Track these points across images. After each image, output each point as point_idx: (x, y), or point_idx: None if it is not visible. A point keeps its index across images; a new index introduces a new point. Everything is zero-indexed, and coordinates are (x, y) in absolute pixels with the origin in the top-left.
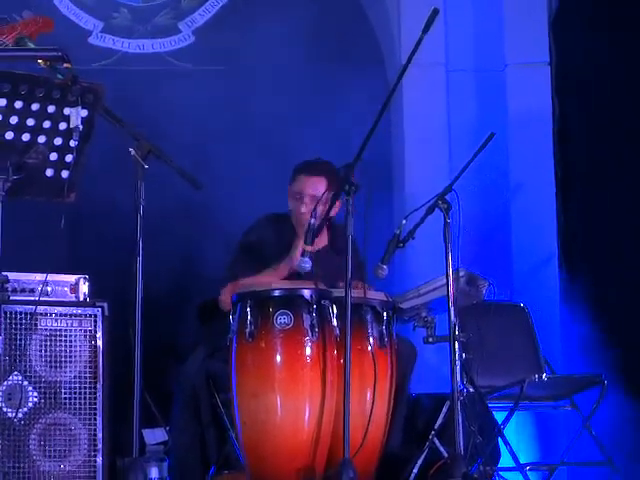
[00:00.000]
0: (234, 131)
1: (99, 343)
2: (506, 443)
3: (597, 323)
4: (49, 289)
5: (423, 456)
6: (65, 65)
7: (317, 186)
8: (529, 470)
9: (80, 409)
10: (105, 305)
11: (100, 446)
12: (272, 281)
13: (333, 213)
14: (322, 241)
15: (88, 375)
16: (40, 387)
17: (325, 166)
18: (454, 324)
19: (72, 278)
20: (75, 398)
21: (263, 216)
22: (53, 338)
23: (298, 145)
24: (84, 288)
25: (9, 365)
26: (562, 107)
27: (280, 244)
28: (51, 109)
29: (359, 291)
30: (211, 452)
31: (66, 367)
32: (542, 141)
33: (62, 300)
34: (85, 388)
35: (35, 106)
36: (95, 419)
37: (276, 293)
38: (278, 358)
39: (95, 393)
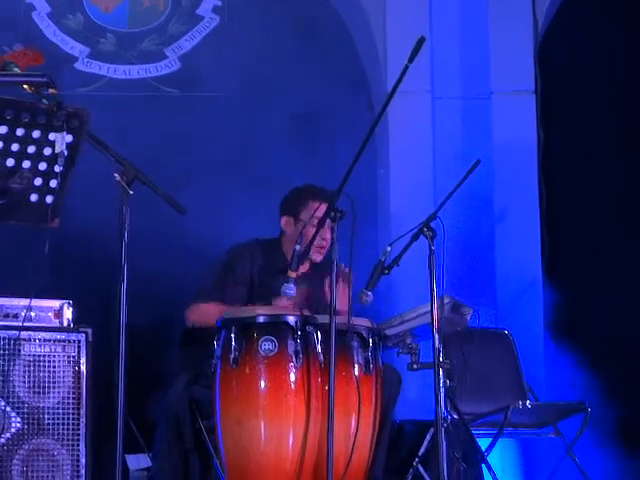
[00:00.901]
0: (219, 157)
1: (83, 369)
2: (490, 470)
3: (581, 350)
4: (33, 314)
5: None
6: (51, 90)
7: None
8: None
9: (63, 435)
10: (89, 331)
11: (83, 472)
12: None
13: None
14: (305, 266)
15: (71, 401)
16: (23, 413)
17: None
18: (438, 351)
19: (56, 303)
20: (58, 424)
21: (251, 240)
22: (36, 364)
23: (284, 172)
24: (68, 313)
25: None
26: (547, 135)
27: (268, 270)
28: (36, 134)
29: (344, 317)
30: (194, 478)
31: (49, 393)
32: (527, 168)
33: (46, 325)
34: (68, 414)
35: (20, 131)
36: (78, 445)
37: (261, 319)
38: (262, 384)
39: (78, 419)
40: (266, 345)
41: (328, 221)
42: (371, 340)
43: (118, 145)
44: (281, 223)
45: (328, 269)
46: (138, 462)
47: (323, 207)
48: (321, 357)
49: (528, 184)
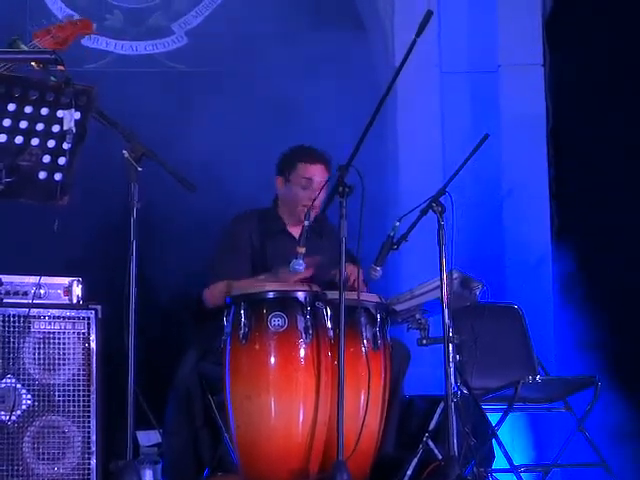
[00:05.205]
0: (228, 132)
1: (93, 345)
2: (500, 445)
3: (591, 324)
4: (42, 292)
5: (417, 458)
6: (58, 67)
7: (322, 173)
8: (523, 472)
9: (74, 412)
10: (99, 307)
11: (94, 449)
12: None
13: (318, 203)
14: (299, 227)
15: (82, 378)
16: (33, 390)
17: (322, 153)
18: (448, 326)
19: (65, 280)
20: (69, 401)
21: (248, 210)
22: (46, 341)
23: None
24: (77, 290)
25: (2, 368)
26: (556, 108)
27: (265, 233)
28: (44, 111)
29: (353, 293)
30: (205, 454)
31: (59, 370)
32: (536, 143)
33: (55, 302)
34: (79, 391)
35: (28, 109)
36: (89, 422)
37: (270, 295)
38: (272, 360)
39: (89, 395)
40: (276, 321)
41: (316, 182)
42: (379, 315)
43: (125, 121)
44: (276, 183)
45: (321, 228)
46: (149, 438)
47: (311, 168)
48: (331, 333)
49: (537, 158)
